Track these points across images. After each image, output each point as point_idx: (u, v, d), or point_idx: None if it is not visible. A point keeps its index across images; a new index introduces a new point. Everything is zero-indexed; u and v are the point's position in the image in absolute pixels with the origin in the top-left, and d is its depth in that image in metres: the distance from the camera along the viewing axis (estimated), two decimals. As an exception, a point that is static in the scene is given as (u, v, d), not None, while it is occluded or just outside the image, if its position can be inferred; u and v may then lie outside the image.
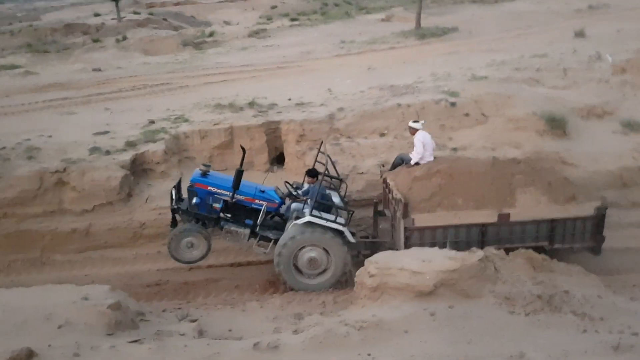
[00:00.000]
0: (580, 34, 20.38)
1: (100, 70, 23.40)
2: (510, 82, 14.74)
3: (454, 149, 12.52)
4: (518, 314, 7.58)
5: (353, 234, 10.29)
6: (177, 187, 10.73)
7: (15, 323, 6.95)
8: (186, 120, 14.05)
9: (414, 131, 10.92)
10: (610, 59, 16.59)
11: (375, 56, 21.26)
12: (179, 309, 9.25)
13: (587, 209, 9.77)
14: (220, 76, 20.00)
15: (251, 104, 14.49)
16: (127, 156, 12.36)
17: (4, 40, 39.49)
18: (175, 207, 10.47)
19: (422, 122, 11.17)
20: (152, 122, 14.21)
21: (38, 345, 6.41)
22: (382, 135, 12.94)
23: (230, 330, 8.14)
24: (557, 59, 16.93)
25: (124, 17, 40.73)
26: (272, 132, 13.39)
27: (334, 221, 9.96)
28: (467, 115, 13.18)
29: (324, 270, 10.15)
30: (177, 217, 10.67)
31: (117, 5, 59.83)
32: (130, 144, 12.82)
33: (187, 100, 16.26)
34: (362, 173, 12.35)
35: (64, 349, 6.38)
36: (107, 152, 12.41)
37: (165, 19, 46.51)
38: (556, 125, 12.82)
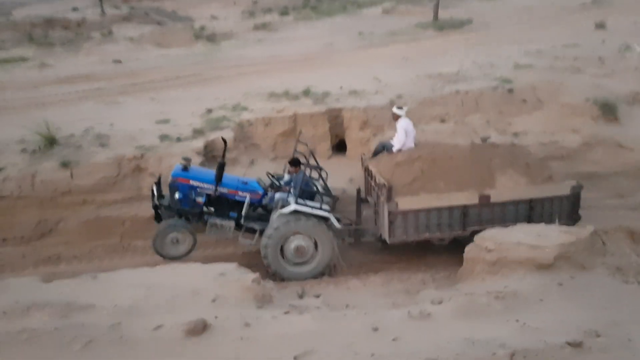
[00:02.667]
0: (600, 26, 21.03)
1: (120, 62, 23.31)
2: (555, 70, 15.21)
3: (515, 134, 12.94)
4: (632, 283, 8.02)
5: (338, 220, 10.45)
6: (158, 184, 10.70)
7: (167, 299, 7.10)
8: (245, 109, 14.19)
9: (396, 117, 11.10)
10: (639, 48, 17.24)
11: (401, 48, 21.52)
12: (285, 287, 9.45)
13: (563, 189, 10.13)
14: (250, 67, 20.09)
15: (306, 93, 14.69)
16: (198, 143, 12.48)
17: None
18: (157, 203, 10.44)
19: (406, 108, 11.33)
20: (209, 110, 14.31)
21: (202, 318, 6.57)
22: (443, 121, 13.28)
23: (347, 306, 8.38)
24: (589, 48, 17.49)
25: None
26: (334, 119, 13.61)
27: (320, 208, 10.14)
28: (524, 101, 13.62)
29: (311, 258, 10.28)
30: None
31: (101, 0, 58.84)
32: (198, 132, 12.94)
33: (230, 90, 16.32)
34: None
35: (231, 320, 6.56)
36: (178, 139, 12.51)
37: (147, 14, 46.12)
38: (608, 111, 13.33)
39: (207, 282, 7.51)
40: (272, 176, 11.07)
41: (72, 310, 6.67)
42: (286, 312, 6.98)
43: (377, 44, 23.17)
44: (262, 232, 10.20)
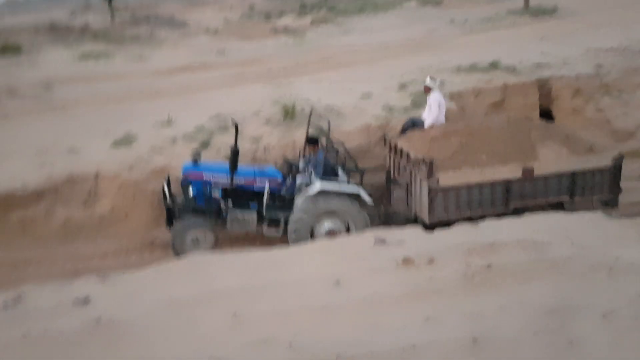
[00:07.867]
0: None
1: (223, 53, 23.16)
2: None
3: None
4: None
5: (370, 196, 9.68)
6: (168, 183, 9.77)
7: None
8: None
9: (428, 90, 10.70)
10: None
11: (508, 33, 21.66)
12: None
13: (605, 160, 9.62)
14: (376, 52, 20.16)
15: (494, 66, 14.82)
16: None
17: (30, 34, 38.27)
18: (171, 203, 9.56)
19: (438, 81, 11.01)
20: (403, 85, 14.34)
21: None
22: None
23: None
24: None
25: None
26: (540, 89, 13.80)
27: (347, 184, 9.47)
28: None
29: None
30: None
31: (110, 5, 57.88)
32: (415, 103, 12.96)
33: (397, 69, 16.12)
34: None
35: None
36: (405, 110, 12.48)
37: (148, 19, 45.63)
38: None
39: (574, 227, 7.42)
40: (288, 160, 10.53)
41: (536, 245, 6.63)
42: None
43: (477, 30, 23.38)
44: (287, 221, 9.43)
